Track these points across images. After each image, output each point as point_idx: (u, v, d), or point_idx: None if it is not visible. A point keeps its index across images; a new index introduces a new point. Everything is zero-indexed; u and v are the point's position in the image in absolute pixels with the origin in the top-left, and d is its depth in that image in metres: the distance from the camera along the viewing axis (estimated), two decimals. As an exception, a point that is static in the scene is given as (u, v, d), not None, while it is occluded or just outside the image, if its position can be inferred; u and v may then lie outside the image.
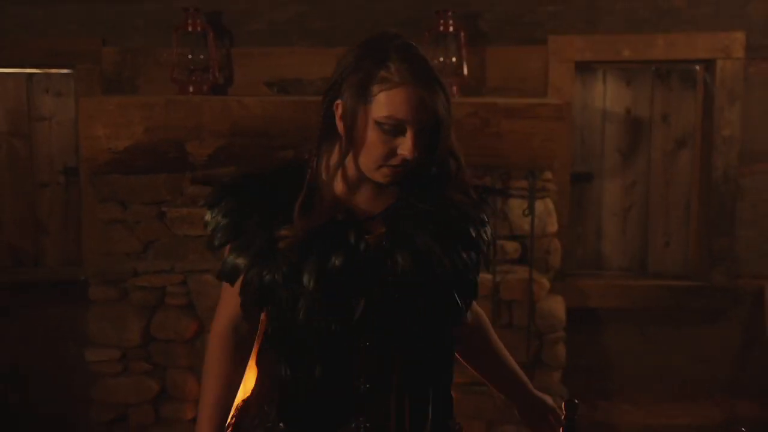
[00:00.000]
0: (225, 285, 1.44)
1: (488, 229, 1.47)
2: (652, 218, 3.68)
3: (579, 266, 3.68)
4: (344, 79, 1.35)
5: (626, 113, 3.64)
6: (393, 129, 1.33)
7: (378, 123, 1.33)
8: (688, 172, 3.64)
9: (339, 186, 1.41)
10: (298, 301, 1.35)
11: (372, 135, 1.33)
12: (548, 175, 3.27)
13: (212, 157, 3.16)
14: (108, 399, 3.22)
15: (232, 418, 1.50)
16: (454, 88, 3.28)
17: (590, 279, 3.61)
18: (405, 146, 1.33)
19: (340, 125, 1.37)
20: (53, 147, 3.72)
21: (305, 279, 1.33)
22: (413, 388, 1.41)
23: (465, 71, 3.33)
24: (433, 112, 1.33)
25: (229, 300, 1.46)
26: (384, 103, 1.32)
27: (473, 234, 1.42)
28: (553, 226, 3.29)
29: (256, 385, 1.48)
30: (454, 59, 3.33)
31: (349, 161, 1.38)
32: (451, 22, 3.32)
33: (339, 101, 1.36)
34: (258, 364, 1.47)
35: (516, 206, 3.23)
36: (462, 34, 3.32)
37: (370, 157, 1.35)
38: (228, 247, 1.42)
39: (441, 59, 3.32)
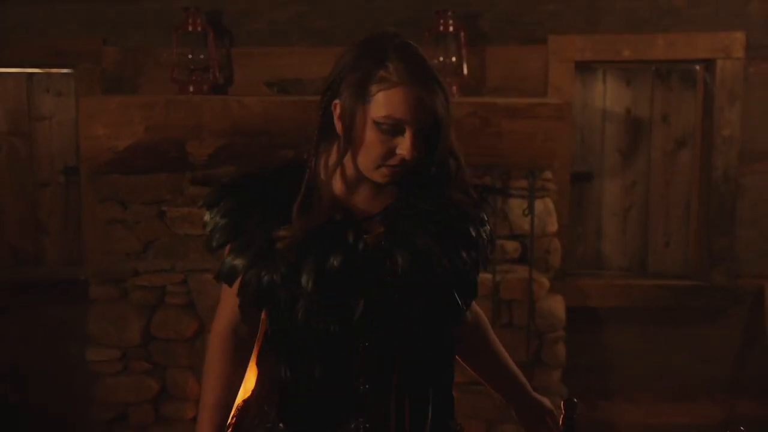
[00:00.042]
0: (225, 286, 1.43)
1: (488, 229, 1.46)
2: (652, 218, 3.68)
3: (579, 266, 3.68)
4: (343, 78, 1.34)
5: (626, 113, 3.64)
6: (391, 129, 1.32)
7: (376, 123, 1.32)
8: (688, 172, 3.64)
9: (338, 186, 1.40)
10: (297, 301, 1.34)
11: (370, 135, 1.33)
12: (548, 174, 3.27)
13: (212, 157, 3.16)
14: (108, 398, 3.23)
15: (232, 418, 1.50)
16: (454, 88, 3.29)
17: (590, 279, 3.61)
18: (404, 146, 1.32)
19: (338, 125, 1.36)
20: (54, 147, 3.72)
21: (304, 279, 1.33)
22: (413, 388, 1.40)
23: (465, 71, 3.33)
24: (432, 112, 1.32)
25: (229, 301, 1.46)
26: (382, 103, 1.31)
27: (473, 233, 1.41)
28: (553, 226, 3.29)
29: (256, 385, 1.47)
30: (454, 59, 3.33)
31: (347, 161, 1.37)
32: (451, 21, 3.32)
33: (337, 101, 1.35)
34: (258, 364, 1.47)
35: (516, 206, 3.23)
36: (462, 33, 3.32)
37: (368, 157, 1.34)
38: (228, 247, 1.41)
39: (441, 59, 3.32)
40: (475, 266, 1.43)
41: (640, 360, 3.62)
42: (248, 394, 1.49)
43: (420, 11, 3.37)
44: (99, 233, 3.40)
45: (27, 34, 3.51)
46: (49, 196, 3.75)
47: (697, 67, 3.56)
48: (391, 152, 1.33)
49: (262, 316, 1.45)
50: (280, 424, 1.41)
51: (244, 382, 1.51)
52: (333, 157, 1.39)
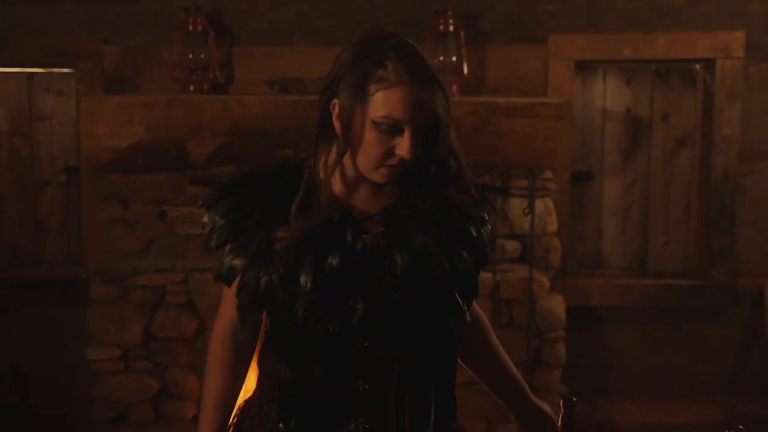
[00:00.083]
0: (226, 286, 1.43)
1: (489, 228, 1.45)
2: (652, 217, 3.68)
3: (579, 265, 3.68)
4: (341, 77, 1.33)
5: (626, 112, 3.64)
6: (390, 129, 1.31)
7: (375, 123, 1.31)
8: (688, 171, 3.64)
9: (337, 186, 1.39)
10: (295, 301, 1.34)
11: (369, 135, 1.32)
12: (548, 174, 3.27)
13: (213, 156, 3.17)
14: (109, 397, 3.23)
15: (234, 417, 1.50)
16: (455, 88, 3.29)
17: (590, 278, 3.62)
18: (403, 146, 1.31)
19: (337, 125, 1.35)
20: (54, 146, 3.73)
21: (302, 279, 1.32)
22: (414, 388, 1.40)
23: (465, 70, 3.33)
24: (431, 112, 1.31)
25: (230, 301, 1.45)
26: (381, 103, 1.30)
27: (474, 233, 1.40)
28: (553, 225, 3.29)
29: (257, 385, 1.47)
30: (454, 58, 3.33)
31: (346, 161, 1.37)
32: (451, 21, 3.32)
33: (336, 100, 1.34)
34: (259, 364, 1.47)
35: (516, 205, 3.24)
36: (462, 33, 3.32)
37: (367, 157, 1.33)
38: (227, 247, 1.41)
39: (441, 58, 3.32)
40: (475, 266, 1.42)
41: (640, 359, 3.62)
42: (250, 393, 1.49)
43: (420, 11, 3.37)
44: (100, 233, 3.40)
45: (27, 33, 3.51)
46: (49, 195, 3.75)
47: (697, 67, 3.56)
48: (390, 152, 1.32)
49: (263, 316, 1.45)
50: (280, 424, 1.41)
51: (245, 381, 1.51)
52: (332, 157, 1.38)
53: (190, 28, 3.36)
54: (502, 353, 1.62)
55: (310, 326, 1.34)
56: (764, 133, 3.52)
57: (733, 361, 3.62)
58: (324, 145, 1.38)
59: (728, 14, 3.44)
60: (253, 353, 1.50)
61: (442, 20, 3.32)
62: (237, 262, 1.37)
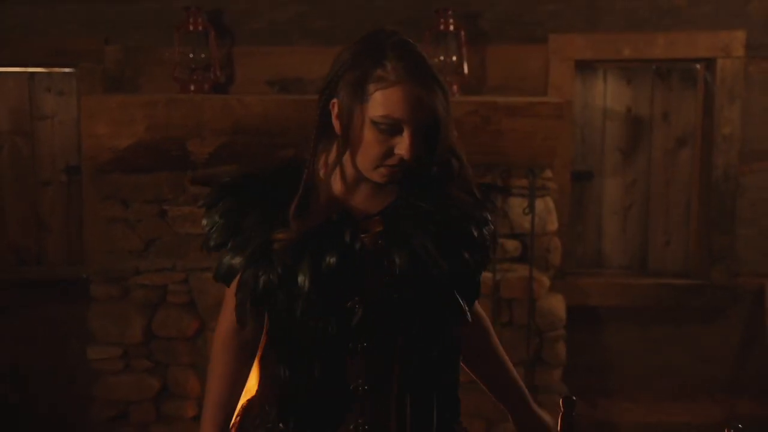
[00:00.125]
0: (231, 285, 1.42)
1: (491, 229, 1.43)
2: (652, 217, 3.69)
3: (579, 265, 3.68)
4: (340, 77, 1.32)
5: (627, 112, 3.65)
6: (390, 128, 1.30)
7: (374, 122, 1.30)
8: (688, 171, 3.64)
9: (337, 185, 1.39)
10: (294, 301, 1.33)
11: (368, 134, 1.31)
12: (548, 173, 3.27)
13: (213, 156, 3.17)
14: (109, 396, 3.24)
15: (236, 417, 1.50)
16: (455, 87, 3.29)
17: (590, 277, 3.62)
18: (402, 146, 1.30)
19: (336, 124, 1.34)
20: (55, 146, 3.73)
21: (300, 279, 1.32)
22: (414, 389, 1.39)
23: (465, 70, 3.33)
24: (431, 111, 1.30)
25: (232, 301, 1.44)
26: (380, 102, 1.29)
27: (475, 233, 1.39)
28: (553, 225, 3.30)
29: (259, 385, 1.47)
30: (454, 58, 3.34)
31: (346, 161, 1.36)
32: (451, 21, 3.32)
33: (335, 100, 1.34)
34: (261, 364, 1.47)
35: (516, 204, 3.24)
36: (462, 33, 3.33)
37: (366, 156, 1.32)
38: (227, 247, 1.40)
39: (441, 58, 3.32)
40: (476, 266, 1.41)
41: (640, 359, 3.62)
42: (252, 394, 1.49)
43: (420, 11, 3.38)
44: (100, 232, 3.41)
45: (27, 33, 3.52)
46: (50, 195, 3.76)
47: (698, 66, 3.56)
48: (389, 152, 1.31)
49: (266, 315, 1.44)
50: (280, 424, 1.41)
51: (248, 382, 1.51)
52: (332, 157, 1.37)
53: (191, 27, 3.36)
54: (503, 357, 1.61)
55: (308, 326, 1.34)
56: (764, 132, 3.52)
57: (733, 360, 3.62)
58: (324, 144, 1.38)
59: (728, 14, 3.44)
60: (256, 353, 1.49)
61: (442, 20, 3.32)
62: (236, 262, 1.37)
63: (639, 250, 3.71)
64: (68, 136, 3.71)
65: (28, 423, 3.56)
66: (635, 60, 3.52)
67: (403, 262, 1.33)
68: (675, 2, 3.45)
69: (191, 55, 3.39)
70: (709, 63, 3.50)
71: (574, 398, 1.56)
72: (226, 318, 1.49)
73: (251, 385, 1.49)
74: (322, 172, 1.39)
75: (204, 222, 1.42)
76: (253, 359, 1.49)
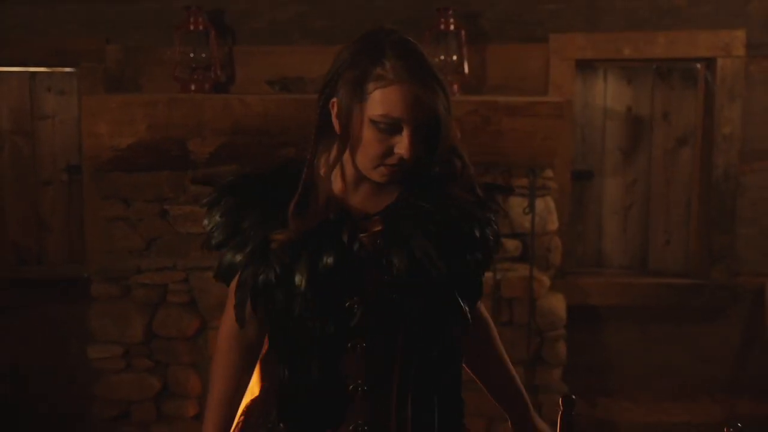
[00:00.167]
0: (232, 285, 1.42)
1: (494, 229, 1.42)
2: (652, 216, 3.69)
3: (579, 264, 3.68)
4: (340, 76, 1.32)
5: (627, 111, 3.65)
6: (389, 128, 1.29)
7: (373, 121, 1.29)
8: (688, 170, 3.65)
9: (338, 185, 1.38)
10: (292, 301, 1.33)
11: (367, 134, 1.30)
12: (549, 173, 3.27)
13: (214, 155, 3.17)
14: (110, 396, 3.24)
15: (240, 417, 1.50)
16: (455, 87, 3.29)
17: (591, 277, 3.62)
18: (401, 145, 1.29)
19: (336, 124, 1.34)
20: (56, 145, 3.74)
21: (297, 279, 1.31)
22: (415, 390, 1.38)
23: (466, 69, 3.34)
24: (431, 111, 1.29)
25: (233, 300, 1.44)
26: (379, 101, 1.28)
27: (477, 234, 1.37)
28: (553, 224, 3.30)
29: (261, 385, 1.47)
30: (454, 57, 3.34)
31: (346, 160, 1.35)
32: (451, 20, 3.32)
33: (335, 99, 1.33)
34: (264, 364, 1.47)
35: (516, 204, 3.24)
36: (463, 32, 3.33)
37: (366, 156, 1.32)
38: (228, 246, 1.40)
39: (442, 57, 3.33)
40: (478, 267, 1.40)
41: (640, 358, 3.62)
42: (255, 394, 1.49)
43: (420, 11, 3.38)
44: (101, 231, 3.41)
45: (27, 33, 3.52)
46: (51, 194, 3.76)
47: (698, 66, 3.56)
48: (389, 151, 1.31)
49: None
50: (281, 424, 1.41)
51: (251, 382, 1.51)
52: (332, 156, 1.36)
53: (192, 27, 3.37)
54: (505, 361, 1.59)
55: (306, 326, 1.33)
56: (765, 132, 3.52)
57: (733, 360, 3.62)
58: (324, 144, 1.37)
59: (728, 13, 3.44)
60: (259, 353, 1.49)
61: (442, 19, 3.32)
62: (236, 261, 1.36)
63: (639, 249, 3.71)
64: (69, 136, 3.72)
65: (29, 423, 3.56)
66: (635, 59, 3.52)
67: (401, 263, 1.32)
68: (675, 2, 3.45)
69: (192, 55, 3.40)
70: (710, 62, 3.50)
71: (574, 397, 1.56)
72: (229, 317, 1.49)
73: (253, 386, 1.49)
74: (322, 172, 1.38)
75: (205, 221, 1.42)
76: (257, 359, 1.49)
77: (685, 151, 3.65)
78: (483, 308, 1.56)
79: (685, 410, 3.60)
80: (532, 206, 3.20)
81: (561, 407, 1.55)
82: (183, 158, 3.19)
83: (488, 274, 3.10)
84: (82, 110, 3.31)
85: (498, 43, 3.46)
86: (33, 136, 3.73)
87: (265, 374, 1.46)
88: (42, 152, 3.73)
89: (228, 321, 1.47)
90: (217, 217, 1.40)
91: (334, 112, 1.34)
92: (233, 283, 1.39)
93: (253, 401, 1.49)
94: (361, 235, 1.35)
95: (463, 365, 1.53)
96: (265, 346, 1.48)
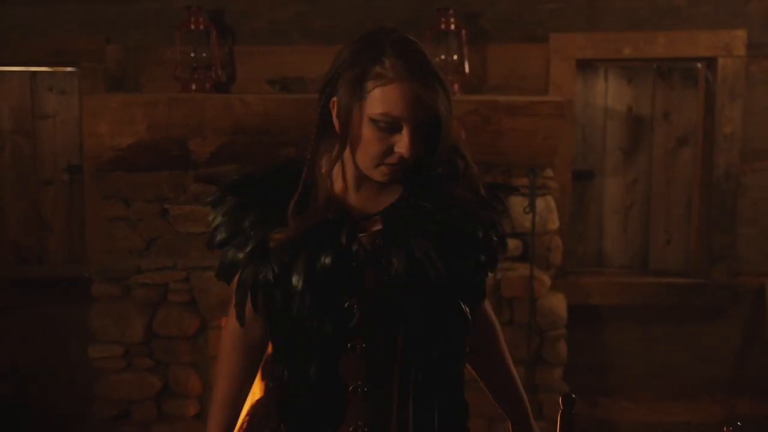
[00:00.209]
0: (233, 284, 1.41)
1: (498, 229, 1.40)
2: (653, 216, 3.69)
3: (580, 264, 3.68)
4: (340, 75, 1.31)
5: (628, 111, 3.65)
6: (389, 126, 1.28)
7: (373, 120, 1.28)
8: (689, 170, 3.64)
9: (339, 184, 1.38)
10: (290, 300, 1.33)
11: (367, 132, 1.29)
12: (549, 172, 3.27)
13: (214, 155, 3.18)
14: (111, 395, 3.24)
15: (244, 416, 1.50)
16: (456, 86, 3.29)
17: (591, 276, 3.62)
18: (402, 144, 1.28)
19: (336, 123, 1.33)
20: (57, 145, 3.74)
21: (294, 279, 1.31)
22: (416, 392, 1.37)
23: (466, 69, 3.34)
24: (431, 110, 1.28)
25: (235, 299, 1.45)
26: (378, 100, 1.27)
27: (479, 235, 1.36)
28: (554, 224, 3.30)
29: (265, 386, 1.47)
30: (455, 57, 3.34)
31: (348, 160, 1.35)
32: (452, 20, 3.33)
33: (335, 98, 1.32)
34: (270, 364, 1.46)
35: (517, 203, 3.24)
36: (463, 32, 3.33)
37: (366, 155, 1.31)
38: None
39: (442, 57, 3.33)
40: (480, 268, 1.39)
41: (641, 358, 3.62)
42: (259, 395, 1.49)
43: (420, 10, 3.38)
44: (102, 231, 3.41)
45: (27, 34, 3.52)
46: (52, 194, 3.76)
47: (699, 65, 3.56)
48: (389, 150, 1.30)
49: None
50: (281, 425, 1.40)
51: (255, 383, 1.51)
52: (333, 156, 1.36)
53: (192, 26, 3.37)
54: (509, 366, 1.58)
55: (305, 326, 1.33)
56: (765, 131, 3.52)
57: (734, 360, 3.62)
58: (325, 143, 1.36)
59: (729, 13, 3.44)
60: (264, 353, 1.49)
61: (443, 19, 3.32)
62: (237, 260, 1.36)
63: (640, 249, 3.71)
64: (70, 136, 3.72)
65: (29, 422, 3.56)
66: (636, 59, 3.52)
67: (400, 263, 1.31)
68: (675, 2, 3.45)
69: (192, 55, 3.40)
70: (710, 62, 3.50)
71: (574, 396, 1.56)
72: (233, 317, 1.49)
73: (258, 387, 1.49)
74: (323, 171, 1.37)
75: (210, 219, 1.42)
76: (261, 359, 1.49)
77: (685, 150, 3.65)
78: (489, 310, 1.55)
79: (685, 410, 3.60)
80: (532, 206, 3.20)
81: (561, 406, 1.55)
82: (183, 158, 3.19)
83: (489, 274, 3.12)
84: (82, 110, 3.31)
85: (498, 42, 3.46)
86: (34, 136, 3.73)
87: (270, 375, 1.46)
88: (43, 152, 3.74)
89: (232, 321, 1.47)
90: (220, 216, 1.39)
91: (334, 111, 1.34)
92: (235, 282, 1.39)
93: (258, 401, 1.49)
94: (361, 235, 1.35)
95: (467, 365, 1.52)
96: (271, 347, 1.47)
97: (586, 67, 3.57)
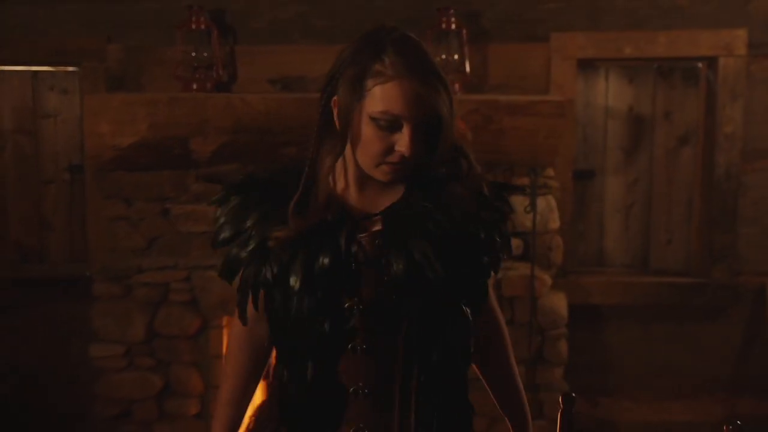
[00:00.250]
0: (235, 283, 1.41)
1: (502, 230, 1.38)
2: (654, 215, 3.69)
3: (581, 263, 3.68)
4: (341, 74, 1.30)
5: (628, 110, 3.65)
6: (389, 125, 1.27)
7: (373, 118, 1.27)
8: (690, 170, 3.64)
9: (340, 184, 1.37)
10: (289, 301, 1.32)
11: (367, 131, 1.28)
12: (550, 172, 3.28)
13: (216, 154, 3.18)
14: (112, 394, 3.24)
15: (249, 417, 1.51)
16: (457, 86, 3.29)
17: (592, 276, 3.62)
18: (402, 142, 1.27)
19: (337, 122, 1.32)
20: (58, 144, 3.74)
21: (292, 279, 1.30)
22: (417, 393, 1.36)
23: (467, 69, 3.34)
24: (431, 108, 1.27)
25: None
26: (379, 98, 1.26)
27: (482, 235, 1.34)
28: (555, 223, 3.30)
29: (270, 386, 1.48)
30: (456, 57, 3.34)
31: (350, 159, 1.34)
32: (453, 19, 3.33)
33: (336, 97, 1.32)
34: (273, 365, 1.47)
35: (518, 203, 3.24)
36: (464, 31, 3.33)
37: (367, 154, 1.30)
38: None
39: (443, 57, 3.33)
40: (482, 269, 1.38)
41: (642, 357, 3.62)
42: (264, 397, 1.49)
43: (421, 10, 3.38)
44: (103, 230, 3.41)
45: (28, 33, 3.53)
46: (53, 193, 3.76)
47: (700, 65, 3.56)
48: (390, 149, 1.29)
49: None
50: (281, 426, 1.40)
51: (260, 384, 1.51)
52: (334, 155, 1.35)
53: (193, 26, 3.37)
54: (512, 370, 1.57)
55: (303, 327, 1.32)
56: (766, 131, 3.52)
57: (735, 359, 3.62)
58: (327, 143, 1.35)
59: (730, 12, 3.44)
60: (270, 354, 1.49)
61: (443, 18, 3.32)
62: (238, 260, 1.36)
63: (641, 248, 3.71)
64: (71, 135, 3.72)
65: (30, 422, 3.57)
66: (637, 59, 3.52)
67: (399, 264, 1.30)
68: (676, 1, 3.45)
69: (194, 54, 3.40)
70: (711, 61, 3.50)
71: (574, 395, 1.55)
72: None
73: (262, 388, 1.49)
74: (325, 171, 1.36)
75: (215, 218, 1.42)
76: (267, 360, 1.49)
77: (686, 150, 3.65)
78: (497, 312, 1.53)
79: (686, 409, 3.60)
80: (533, 205, 3.20)
81: (561, 405, 1.55)
82: (184, 157, 3.19)
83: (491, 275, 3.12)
84: (84, 109, 3.31)
85: (499, 42, 3.46)
86: (35, 136, 3.73)
87: (272, 375, 1.46)
88: (44, 151, 3.74)
89: (237, 321, 1.46)
90: (224, 216, 1.39)
91: (335, 110, 1.33)
92: (235, 281, 1.39)
93: (264, 402, 1.49)
94: (361, 235, 1.34)
95: (475, 368, 1.52)
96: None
97: (587, 66, 3.57)
